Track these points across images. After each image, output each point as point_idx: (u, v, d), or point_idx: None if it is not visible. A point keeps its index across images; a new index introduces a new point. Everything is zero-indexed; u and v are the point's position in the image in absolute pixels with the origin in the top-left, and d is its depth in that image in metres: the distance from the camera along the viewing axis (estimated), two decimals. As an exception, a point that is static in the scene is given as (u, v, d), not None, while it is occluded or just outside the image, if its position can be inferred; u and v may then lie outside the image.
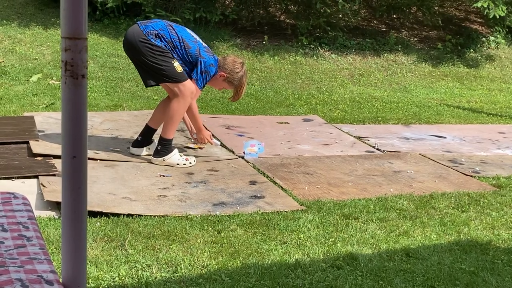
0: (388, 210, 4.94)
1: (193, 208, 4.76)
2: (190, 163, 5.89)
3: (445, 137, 7.71)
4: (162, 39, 5.71)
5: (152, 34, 5.71)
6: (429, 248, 4.23)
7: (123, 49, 6.11)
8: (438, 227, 4.66)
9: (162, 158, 5.84)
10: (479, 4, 11.55)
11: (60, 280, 1.51)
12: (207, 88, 9.43)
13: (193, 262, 3.81)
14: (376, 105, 9.41)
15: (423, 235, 4.49)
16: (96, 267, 3.65)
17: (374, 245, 4.24)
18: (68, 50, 1.39)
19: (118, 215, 4.49)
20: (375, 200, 5.16)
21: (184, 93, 5.74)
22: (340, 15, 12.33)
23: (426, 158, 6.65)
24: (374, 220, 4.70)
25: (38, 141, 6.07)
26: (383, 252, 4.13)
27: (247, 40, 11.94)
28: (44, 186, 4.86)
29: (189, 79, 5.83)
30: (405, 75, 11.51)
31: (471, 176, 6.09)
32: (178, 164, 5.83)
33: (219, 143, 6.10)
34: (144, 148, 6.11)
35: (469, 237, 4.50)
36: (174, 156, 5.85)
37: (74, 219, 1.46)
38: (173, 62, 5.71)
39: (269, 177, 5.68)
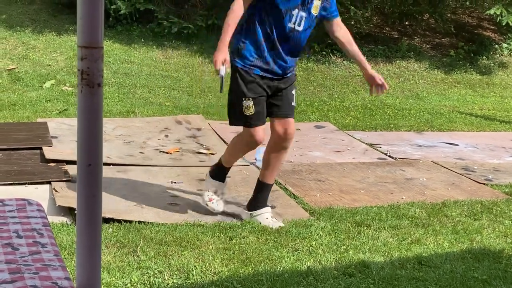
0: (400, 218, 4.93)
1: (204, 216, 4.76)
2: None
3: (457, 145, 7.68)
4: None
5: None
6: (441, 256, 4.22)
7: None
8: (451, 235, 4.64)
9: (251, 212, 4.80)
10: (492, 11, 11.51)
11: (75, 287, 1.52)
12: (219, 94, 9.45)
13: (204, 269, 3.82)
14: (388, 112, 9.40)
15: (435, 243, 4.47)
16: (109, 273, 3.66)
17: (386, 253, 4.23)
18: (85, 59, 1.40)
19: (130, 221, 4.50)
20: (387, 208, 5.15)
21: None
22: (352, 22, 12.31)
23: (439, 166, 6.62)
24: (386, 228, 4.69)
25: (51, 147, 6.12)
26: (395, 260, 4.11)
27: (259, 47, 11.96)
28: (57, 192, 4.89)
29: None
30: (417, 82, 11.48)
31: (484, 184, 6.06)
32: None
33: (223, 74, 4.43)
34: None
35: (481, 245, 4.48)
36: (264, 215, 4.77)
37: (89, 227, 1.47)
38: None
39: (280, 184, 5.67)
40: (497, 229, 4.82)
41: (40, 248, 1.70)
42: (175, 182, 5.57)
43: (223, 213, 4.88)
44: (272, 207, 5.06)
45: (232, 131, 7.45)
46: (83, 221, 1.46)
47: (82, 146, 1.44)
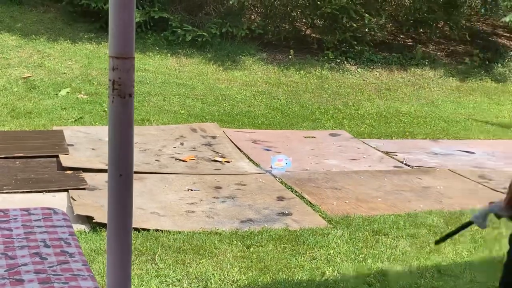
0: (418, 226, 4.91)
1: (221, 225, 4.77)
2: None
3: (474, 153, 7.65)
4: None
5: None
6: (461, 265, 4.20)
7: None
8: (469, 244, 4.62)
9: None
10: (507, 19, 11.47)
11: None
12: (233, 102, 9.49)
13: (223, 277, 3.82)
14: (403, 119, 9.37)
15: (454, 252, 4.45)
16: (127, 281, 3.67)
17: (405, 262, 4.22)
18: (116, 69, 1.41)
19: (147, 229, 4.52)
20: (405, 216, 5.13)
21: None
22: (367, 30, 12.31)
23: (456, 174, 6.60)
24: (404, 237, 4.67)
25: (67, 154, 6.14)
26: (414, 269, 4.10)
27: (273, 55, 11.97)
28: (74, 200, 4.91)
29: None
30: (432, 89, 11.45)
31: (501, 192, 6.02)
32: None
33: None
34: None
35: (501, 254, 4.45)
36: None
37: (120, 236, 1.48)
38: None
39: (297, 192, 5.67)
40: (516, 238, 4.78)
41: (68, 258, 1.71)
42: (191, 190, 5.58)
43: (241, 221, 4.88)
44: (289, 214, 5.06)
45: (247, 139, 7.48)
46: (114, 230, 1.47)
47: (113, 156, 1.44)
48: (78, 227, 4.48)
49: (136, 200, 5.12)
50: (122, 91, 1.42)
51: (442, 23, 13.48)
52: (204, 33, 11.26)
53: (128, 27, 1.39)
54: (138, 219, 4.70)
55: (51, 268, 1.69)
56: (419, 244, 4.55)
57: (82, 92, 9.02)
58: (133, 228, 4.47)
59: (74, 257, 1.77)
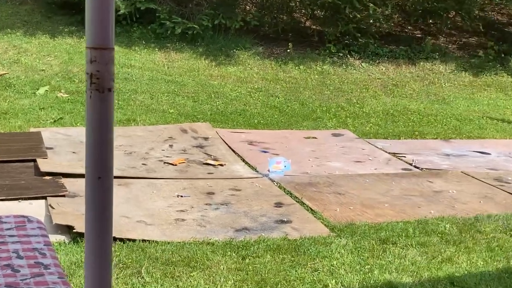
0: (429, 234, 4.90)
1: (214, 234, 4.75)
2: None
3: (489, 153, 7.65)
4: None
5: None
6: (475, 276, 4.18)
7: None
8: (485, 252, 4.60)
9: None
10: (524, 7, 11.46)
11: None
12: (227, 100, 9.48)
13: (216, 291, 3.80)
14: (412, 118, 9.37)
15: (468, 261, 4.44)
16: (111, 296, 3.65)
17: (415, 273, 4.20)
18: (94, 62, 1.40)
19: (133, 240, 4.50)
20: (415, 223, 5.12)
21: None
22: (371, 21, 12.32)
23: (469, 177, 6.59)
24: (414, 245, 4.66)
25: (46, 158, 6.12)
26: (425, 280, 4.08)
27: (270, 48, 11.97)
28: (53, 208, 4.89)
29: None
30: (443, 85, 11.45)
31: (520, 196, 6.03)
32: None
33: None
34: None
35: (520, 264, 4.44)
36: None
37: (99, 246, 1.46)
38: None
39: (296, 197, 5.66)
40: (536, 246, 4.78)
41: (43, 270, 1.68)
42: (181, 196, 5.56)
43: (235, 230, 4.86)
44: (288, 221, 5.05)
45: (242, 140, 7.46)
46: (93, 240, 1.45)
47: (91, 157, 1.42)
48: (57, 237, 4.46)
49: (121, 208, 5.11)
50: (100, 85, 1.41)
51: (454, 13, 13.48)
52: (195, 26, 11.25)
53: (106, 14, 1.38)
54: (123, 229, 4.68)
55: (24, 281, 1.66)
56: (430, 254, 4.53)
57: (62, 91, 9.00)
58: (118, 238, 4.48)
59: (50, 269, 1.74)
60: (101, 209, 1.44)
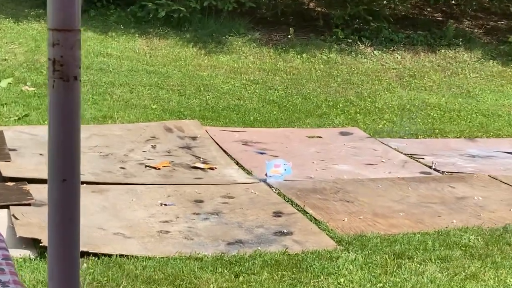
0: (451, 247, 4.90)
1: (202, 248, 4.75)
2: None
3: (520, 154, 7.67)
4: None
5: None
6: (504, 295, 4.19)
7: None
8: (515, 268, 4.61)
9: None
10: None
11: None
12: (218, 94, 9.49)
13: (205, 314, 3.80)
14: (432, 114, 9.38)
15: (496, 278, 4.44)
16: (83, 320, 3.65)
17: (435, 292, 4.20)
18: (57, 45, 1.38)
19: (109, 255, 4.49)
20: (434, 235, 5.13)
21: None
22: (385, 2, 12.34)
23: (498, 181, 6.60)
24: (433, 260, 4.66)
25: (9, 162, 6.11)
26: (446, 300, 4.09)
27: (268, 34, 11.98)
28: (17, 219, 4.88)
29: None
30: (468, 76, 11.47)
31: (556, 203, 6.04)
32: None
33: None
34: None
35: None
36: None
37: (65, 260, 1.45)
38: None
39: (298, 206, 5.66)
40: None
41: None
42: (165, 204, 5.56)
43: (227, 243, 4.86)
44: (288, 233, 5.05)
45: (235, 140, 7.46)
46: (57, 252, 1.44)
47: (54, 156, 1.41)
48: (21, 252, 4.45)
49: (96, 218, 5.10)
50: (65, 73, 1.39)
51: (480, -7, 13.51)
52: (181, 8, 11.25)
53: (71, -9, 1.37)
54: (98, 242, 4.68)
55: (-22, 302, 1.66)
56: (452, 270, 4.54)
57: (27, 84, 8.99)
58: (92, 253, 4.48)
59: (8, 286, 1.74)
60: (67, 216, 1.43)
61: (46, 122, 7.52)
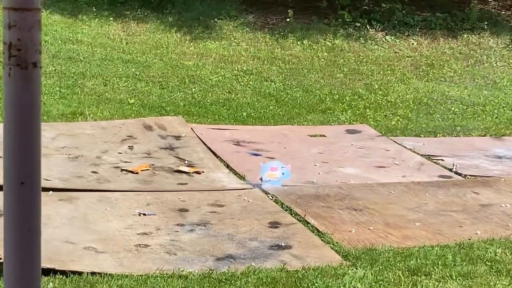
0: (475, 262, 4.90)
1: (187, 264, 4.74)
2: None
3: (555, 155, 7.69)
4: None
5: None
6: (536, 317, 4.20)
7: None
8: (549, 286, 4.62)
9: None
10: None
11: None
12: (206, 87, 9.49)
13: None
14: (452, 108, 9.39)
15: (526, 298, 4.45)
16: None
17: (456, 314, 4.21)
18: (14, 27, 1.38)
19: (79, 272, 4.49)
20: (455, 248, 5.13)
21: None
22: (398, -21, 12.35)
23: (528, 186, 6.62)
24: (454, 277, 4.66)
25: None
26: (469, 323, 4.10)
27: (264, 17, 12.00)
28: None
29: None
30: (494, 65, 11.49)
31: None
32: None
33: None
34: None
35: None
36: None
37: (23, 277, 1.45)
38: None
39: (298, 215, 5.66)
40: None
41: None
42: (144, 214, 5.55)
43: (216, 258, 4.86)
44: (287, 247, 5.05)
45: (226, 139, 7.46)
46: (14, 269, 1.43)
47: (11, 156, 1.41)
48: (-23, 270, 4.45)
49: (63, 230, 5.10)
50: (23, 59, 1.39)
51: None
52: (162, -13, 11.26)
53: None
54: (66, 258, 4.67)
55: None
56: (476, 287, 4.54)
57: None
58: (59, 270, 4.47)
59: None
60: (25, 226, 1.43)
61: (1, 116, 7.52)
